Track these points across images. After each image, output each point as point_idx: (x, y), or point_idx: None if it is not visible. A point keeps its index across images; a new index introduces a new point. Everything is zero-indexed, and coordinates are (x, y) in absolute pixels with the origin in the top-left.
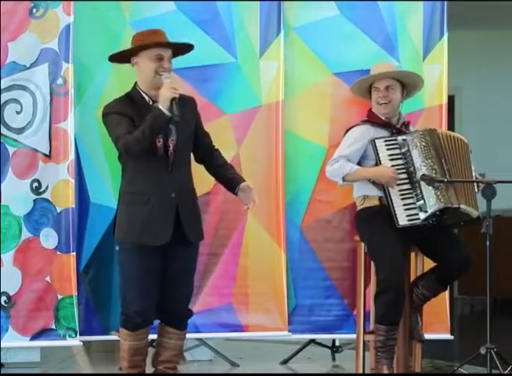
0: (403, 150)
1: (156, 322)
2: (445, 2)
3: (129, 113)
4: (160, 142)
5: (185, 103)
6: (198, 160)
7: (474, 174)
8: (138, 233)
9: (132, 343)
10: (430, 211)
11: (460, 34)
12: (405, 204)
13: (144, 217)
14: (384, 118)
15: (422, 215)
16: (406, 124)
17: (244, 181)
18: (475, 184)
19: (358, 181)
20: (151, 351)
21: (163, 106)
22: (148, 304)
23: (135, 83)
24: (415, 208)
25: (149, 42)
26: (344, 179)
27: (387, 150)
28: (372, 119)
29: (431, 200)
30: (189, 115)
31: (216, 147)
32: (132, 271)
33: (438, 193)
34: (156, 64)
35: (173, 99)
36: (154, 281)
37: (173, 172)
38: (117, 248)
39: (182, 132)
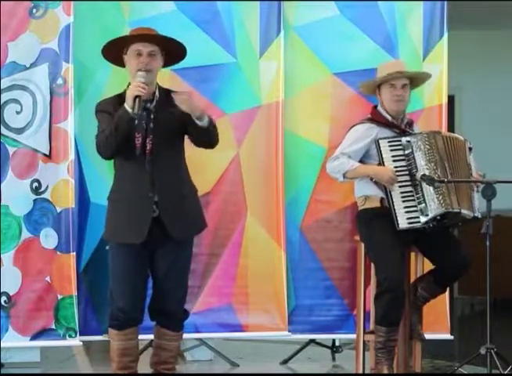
0: (407, 152)
1: (153, 323)
2: (445, 2)
3: (113, 113)
4: (139, 141)
5: (170, 99)
6: (196, 144)
7: (474, 173)
8: (113, 231)
9: (120, 343)
10: (431, 214)
11: (460, 34)
12: (406, 207)
13: (120, 215)
14: (389, 118)
15: (423, 219)
16: (410, 124)
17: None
18: (474, 185)
19: (358, 178)
20: (150, 352)
21: (127, 104)
22: (130, 301)
23: (129, 82)
24: (416, 211)
25: (120, 37)
26: (344, 176)
27: (391, 150)
28: (376, 118)
29: (433, 204)
30: (171, 109)
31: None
32: (115, 268)
33: (440, 198)
34: (136, 61)
35: (136, 96)
36: (137, 279)
37: (153, 171)
38: (107, 247)
39: (161, 129)
